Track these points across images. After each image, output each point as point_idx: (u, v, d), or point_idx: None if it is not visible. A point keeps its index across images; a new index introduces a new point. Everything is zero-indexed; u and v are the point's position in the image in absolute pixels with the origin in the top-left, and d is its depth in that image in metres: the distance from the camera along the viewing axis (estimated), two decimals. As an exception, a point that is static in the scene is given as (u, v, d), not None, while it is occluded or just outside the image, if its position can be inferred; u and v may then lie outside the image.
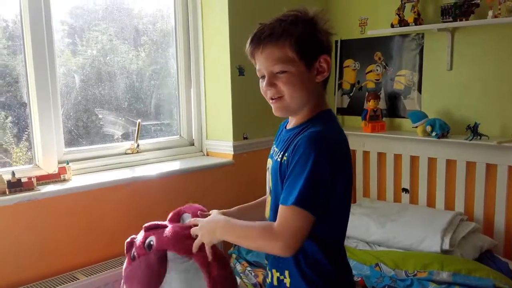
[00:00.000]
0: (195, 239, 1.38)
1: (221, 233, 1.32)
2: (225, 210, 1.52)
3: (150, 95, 2.89)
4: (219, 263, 1.41)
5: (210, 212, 1.47)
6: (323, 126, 1.26)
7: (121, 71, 2.73)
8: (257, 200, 1.58)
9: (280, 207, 1.22)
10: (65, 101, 2.47)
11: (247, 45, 1.32)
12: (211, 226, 1.35)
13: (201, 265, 1.38)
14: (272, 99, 1.31)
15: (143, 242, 1.45)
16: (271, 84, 1.29)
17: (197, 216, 1.45)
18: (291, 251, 1.19)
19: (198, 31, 2.94)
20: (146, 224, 1.51)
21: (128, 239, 1.52)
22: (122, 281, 1.49)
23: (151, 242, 1.44)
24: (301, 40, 1.26)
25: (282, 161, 1.28)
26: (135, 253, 1.46)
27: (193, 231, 1.39)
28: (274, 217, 1.34)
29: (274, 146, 1.43)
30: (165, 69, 2.97)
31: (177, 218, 1.52)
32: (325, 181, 1.20)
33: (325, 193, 1.21)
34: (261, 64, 1.30)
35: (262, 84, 1.32)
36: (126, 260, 1.51)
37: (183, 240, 1.41)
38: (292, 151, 1.24)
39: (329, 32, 1.32)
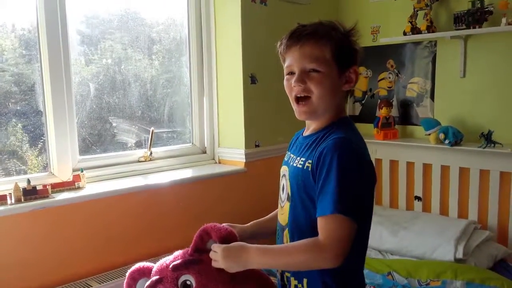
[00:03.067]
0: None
1: (256, 258, 1.25)
2: (239, 225, 1.49)
3: (163, 103, 2.92)
4: None
5: (225, 225, 1.41)
6: (346, 132, 1.28)
7: (134, 80, 2.76)
8: (270, 214, 1.57)
9: (320, 219, 1.21)
10: (79, 109, 2.50)
11: (283, 40, 1.34)
12: (237, 251, 1.28)
13: None
14: (298, 102, 1.31)
15: (175, 282, 1.30)
16: (301, 80, 1.29)
17: (224, 241, 1.34)
18: (340, 261, 1.18)
19: (211, 40, 2.96)
20: (174, 263, 1.33)
21: (134, 269, 1.34)
22: None
23: (188, 282, 1.29)
24: (340, 46, 1.30)
25: (305, 167, 1.28)
26: None
27: (213, 255, 1.31)
28: (293, 223, 1.34)
29: (289, 153, 1.44)
30: (178, 77, 2.99)
31: (202, 243, 1.36)
32: (357, 185, 1.21)
33: (359, 197, 1.22)
34: (295, 60, 1.30)
35: (289, 81, 1.33)
36: None
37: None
38: (318, 159, 1.23)
39: (359, 47, 1.36)
